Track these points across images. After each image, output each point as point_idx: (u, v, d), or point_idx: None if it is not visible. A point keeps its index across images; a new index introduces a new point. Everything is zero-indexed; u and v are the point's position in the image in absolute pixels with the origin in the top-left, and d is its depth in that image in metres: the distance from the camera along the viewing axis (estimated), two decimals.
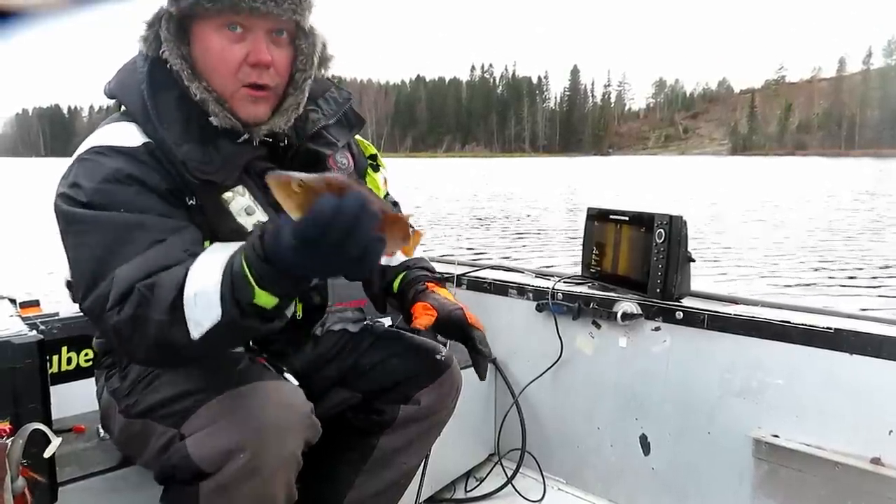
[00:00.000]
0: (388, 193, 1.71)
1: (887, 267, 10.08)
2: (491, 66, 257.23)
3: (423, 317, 1.46)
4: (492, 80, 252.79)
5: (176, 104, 1.24)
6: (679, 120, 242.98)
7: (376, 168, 1.64)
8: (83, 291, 1.14)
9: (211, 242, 1.21)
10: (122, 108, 1.30)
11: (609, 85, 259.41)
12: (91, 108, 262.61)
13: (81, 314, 1.83)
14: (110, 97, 1.33)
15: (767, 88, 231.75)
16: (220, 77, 1.25)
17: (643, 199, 23.05)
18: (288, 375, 1.37)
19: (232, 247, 1.06)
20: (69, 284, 1.38)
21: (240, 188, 1.28)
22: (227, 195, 1.26)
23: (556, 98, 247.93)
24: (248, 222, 1.26)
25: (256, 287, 0.99)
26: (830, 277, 9.40)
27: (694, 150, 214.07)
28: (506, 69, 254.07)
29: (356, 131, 1.53)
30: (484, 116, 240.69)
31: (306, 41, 1.33)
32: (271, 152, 1.33)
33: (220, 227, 1.25)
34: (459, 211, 19.73)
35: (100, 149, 1.22)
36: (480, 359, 1.49)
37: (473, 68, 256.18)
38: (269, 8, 1.20)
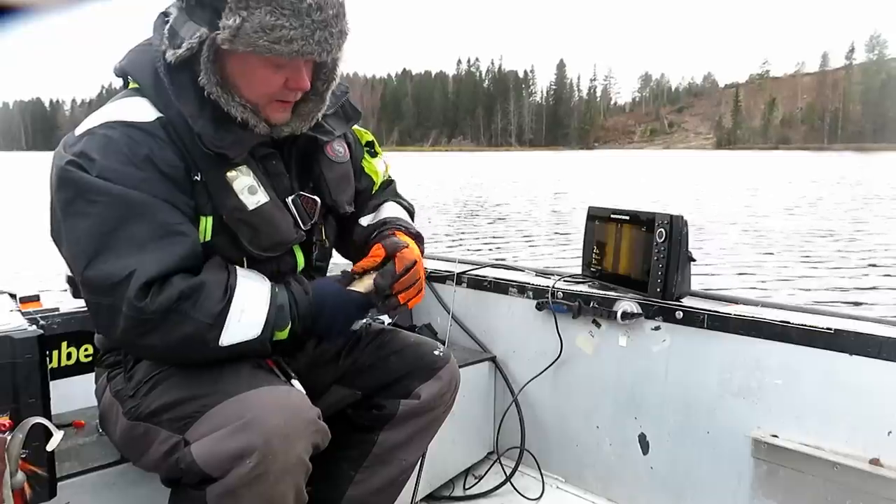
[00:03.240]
0: (391, 180, 1.72)
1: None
2: (477, 59, 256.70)
3: (367, 259, 1.42)
4: (478, 74, 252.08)
5: (192, 84, 1.26)
6: (664, 114, 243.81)
7: (374, 154, 1.67)
8: (87, 260, 1.17)
9: (213, 218, 1.29)
10: (130, 86, 1.33)
11: (595, 79, 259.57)
12: (73, 101, 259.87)
13: (81, 309, 1.87)
14: (120, 75, 1.36)
15: (752, 83, 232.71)
16: (256, 95, 1.29)
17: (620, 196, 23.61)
18: (295, 382, 1.39)
19: (261, 277, 1.31)
20: (70, 280, 1.39)
21: (244, 168, 1.32)
22: (232, 174, 1.30)
23: (542, 92, 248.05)
24: (250, 201, 1.30)
25: (291, 324, 1.28)
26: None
27: (679, 144, 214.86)
28: (492, 63, 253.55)
29: (353, 123, 1.57)
30: (470, 110, 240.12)
31: (331, 59, 1.36)
32: (273, 138, 1.38)
33: (224, 203, 1.29)
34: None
35: (113, 124, 1.23)
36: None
37: (459, 62, 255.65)
38: (323, 58, 1.26)
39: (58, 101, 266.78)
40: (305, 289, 1.33)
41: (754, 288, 8.65)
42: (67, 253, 1.23)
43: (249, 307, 1.23)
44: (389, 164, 1.72)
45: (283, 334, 1.28)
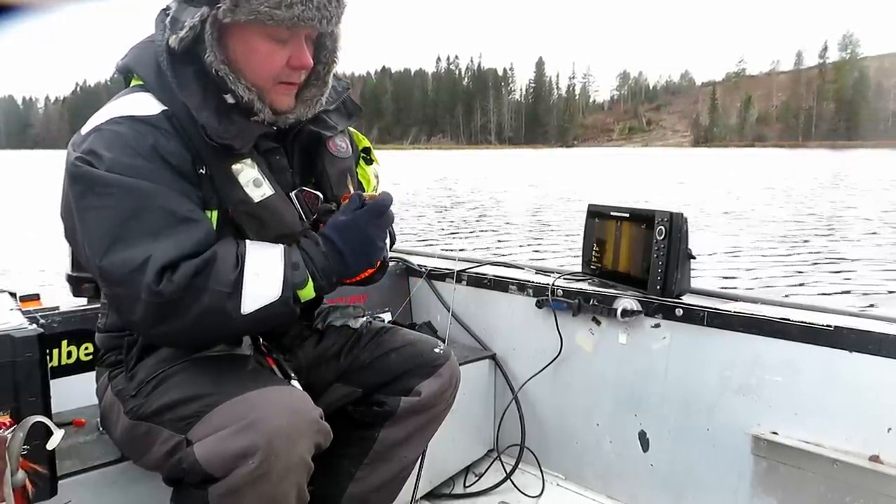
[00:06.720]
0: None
1: None
2: (457, 57, 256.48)
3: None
4: (457, 72, 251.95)
5: (194, 76, 1.27)
6: (642, 112, 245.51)
7: (369, 161, 1.66)
8: (103, 250, 1.17)
9: (218, 212, 1.29)
10: (132, 83, 1.34)
11: (574, 77, 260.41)
12: (47, 98, 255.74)
13: (81, 308, 1.87)
14: (123, 72, 1.37)
15: (728, 81, 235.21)
16: (261, 77, 1.29)
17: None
18: (295, 382, 1.40)
19: (271, 244, 1.28)
20: (70, 278, 1.37)
21: (248, 161, 1.31)
22: (237, 166, 1.30)
23: (521, 90, 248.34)
24: (255, 194, 1.30)
25: (310, 280, 1.26)
26: None
27: (657, 141, 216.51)
28: (471, 61, 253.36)
29: (354, 119, 1.58)
30: (450, 108, 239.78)
31: (330, 38, 1.40)
32: (277, 131, 1.39)
33: (229, 196, 1.29)
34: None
35: (119, 119, 1.24)
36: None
37: (439, 60, 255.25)
38: (323, 27, 1.28)
39: (31, 99, 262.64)
40: (315, 241, 1.32)
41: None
42: (83, 248, 1.22)
43: (263, 270, 1.22)
44: (381, 175, 1.71)
45: (308, 292, 1.27)
